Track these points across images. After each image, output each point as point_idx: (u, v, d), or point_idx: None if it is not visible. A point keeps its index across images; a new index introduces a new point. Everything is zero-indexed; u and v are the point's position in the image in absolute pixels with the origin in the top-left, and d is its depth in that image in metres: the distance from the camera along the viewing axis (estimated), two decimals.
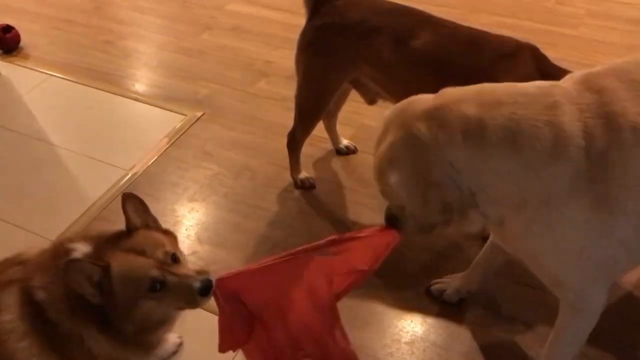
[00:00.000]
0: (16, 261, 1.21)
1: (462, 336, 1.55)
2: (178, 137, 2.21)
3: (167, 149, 2.16)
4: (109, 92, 2.45)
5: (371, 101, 1.83)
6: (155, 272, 1.10)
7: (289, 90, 2.36)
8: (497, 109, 1.08)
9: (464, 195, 1.11)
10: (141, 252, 1.12)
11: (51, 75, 2.55)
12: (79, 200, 1.97)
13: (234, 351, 1.30)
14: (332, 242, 1.22)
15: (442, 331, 1.56)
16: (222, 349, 1.21)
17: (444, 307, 1.61)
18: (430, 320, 1.59)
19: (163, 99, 2.41)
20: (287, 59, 2.51)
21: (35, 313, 1.12)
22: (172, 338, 1.49)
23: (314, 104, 1.83)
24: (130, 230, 1.17)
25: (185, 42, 2.72)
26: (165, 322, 1.20)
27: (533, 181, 1.07)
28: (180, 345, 1.52)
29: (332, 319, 1.21)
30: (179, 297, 1.12)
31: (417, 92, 1.19)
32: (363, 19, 1.63)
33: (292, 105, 2.31)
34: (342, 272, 1.21)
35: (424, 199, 1.14)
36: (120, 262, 1.10)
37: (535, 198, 1.08)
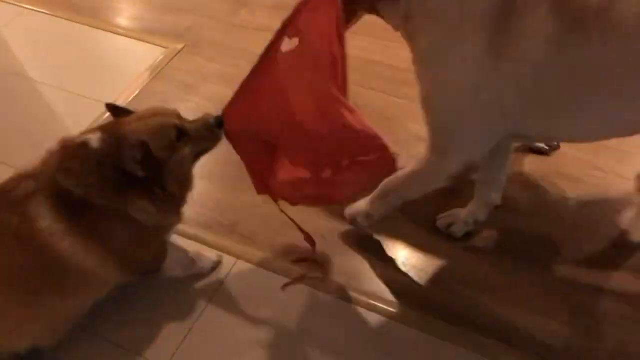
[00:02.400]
0: (24, 176, 1.23)
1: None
2: (160, 71, 2.18)
3: (148, 82, 2.13)
4: (88, 26, 2.40)
5: None
6: (176, 121, 1.26)
7: (271, 20, 2.32)
8: None
9: None
10: (154, 115, 1.25)
11: (26, 8, 2.49)
12: (61, 134, 1.95)
13: (270, 196, 1.42)
14: (285, 25, 1.24)
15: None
16: (258, 190, 1.41)
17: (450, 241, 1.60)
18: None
19: (144, 31, 2.36)
20: None
21: (71, 210, 1.19)
22: (212, 256, 1.57)
23: None
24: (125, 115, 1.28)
25: None
26: (189, 171, 1.32)
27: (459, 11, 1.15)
28: (219, 263, 1.57)
29: (341, 105, 1.23)
30: (202, 137, 1.29)
31: None
32: None
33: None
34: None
35: None
36: (145, 129, 1.21)
37: (450, 15, 1.17)
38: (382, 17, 1.31)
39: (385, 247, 1.60)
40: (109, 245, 1.25)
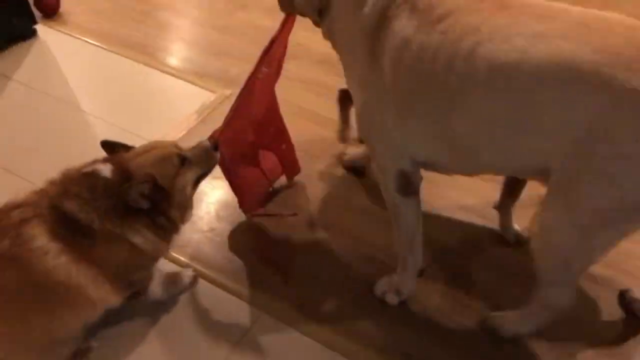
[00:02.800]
0: (15, 205, 1.29)
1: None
2: (207, 114, 2.25)
3: (195, 125, 2.20)
4: (141, 63, 2.49)
5: None
6: (176, 150, 1.39)
7: (316, 73, 2.39)
8: None
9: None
10: (154, 148, 1.38)
11: (87, 42, 2.61)
12: None
13: (251, 212, 1.74)
14: (262, 59, 1.60)
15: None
16: (244, 208, 1.69)
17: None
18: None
19: (194, 74, 2.45)
20: (318, 42, 2.53)
21: (68, 232, 1.25)
22: (187, 272, 1.66)
23: None
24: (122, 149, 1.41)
25: (220, 19, 2.74)
26: (190, 197, 1.45)
27: (353, 16, 1.34)
28: (195, 278, 1.66)
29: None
30: (200, 161, 1.42)
31: None
32: None
33: (320, 89, 2.35)
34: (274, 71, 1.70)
35: None
36: (149, 161, 1.34)
37: (352, 28, 1.35)
38: None
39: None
40: (104, 268, 1.30)
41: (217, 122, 2.20)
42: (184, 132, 2.17)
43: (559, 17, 1.14)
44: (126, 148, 1.41)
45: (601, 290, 1.67)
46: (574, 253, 1.24)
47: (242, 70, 2.44)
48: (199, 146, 1.45)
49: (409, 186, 1.41)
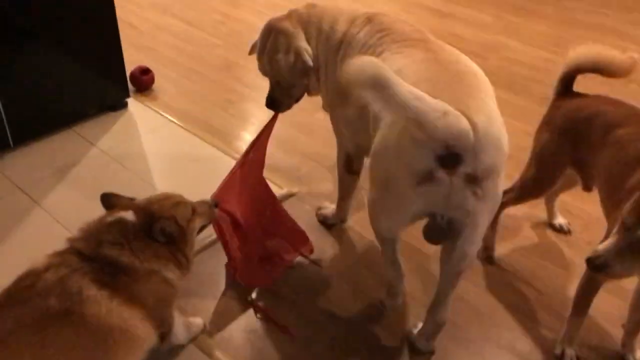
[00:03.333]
0: (41, 270, 1.32)
1: None
2: None
3: None
4: (217, 149, 2.57)
5: (586, 187, 1.84)
6: (190, 202, 1.56)
7: None
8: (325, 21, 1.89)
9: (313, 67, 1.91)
10: (167, 198, 1.53)
11: (171, 120, 2.73)
12: None
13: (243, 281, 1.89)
14: (248, 151, 2.00)
15: None
16: (232, 273, 1.90)
17: None
18: None
19: (265, 167, 2.48)
20: None
21: (112, 277, 1.34)
22: (196, 320, 1.78)
23: (538, 179, 1.91)
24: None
25: (299, 117, 2.81)
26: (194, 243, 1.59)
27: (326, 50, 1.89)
28: (204, 326, 1.78)
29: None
30: (204, 214, 1.60)
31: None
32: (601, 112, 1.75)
33: None
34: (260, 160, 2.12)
35: (292, 67, 1.91)
36: (169, 206, 1.49)
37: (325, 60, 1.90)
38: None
39: None
40: (147, 305, 1.40)
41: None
42: None
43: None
44: (129, 199, 1.53)
45: None
46: None
47: (313, 169, 2.48)
48: (203, 201, 1.63)
49: (350, 165, 2.08)
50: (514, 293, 1.95)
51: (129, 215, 1.44)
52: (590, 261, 1.35)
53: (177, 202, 1.53)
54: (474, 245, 1.50)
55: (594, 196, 1.78)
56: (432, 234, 1.47)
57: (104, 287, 1.32)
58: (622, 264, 1.33)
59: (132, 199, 1.54)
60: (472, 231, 1.45)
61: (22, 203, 2.23)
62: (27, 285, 1.30)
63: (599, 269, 1.35)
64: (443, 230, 1.44)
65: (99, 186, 2.31)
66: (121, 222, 1.42)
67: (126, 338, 1.34)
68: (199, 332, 1.77)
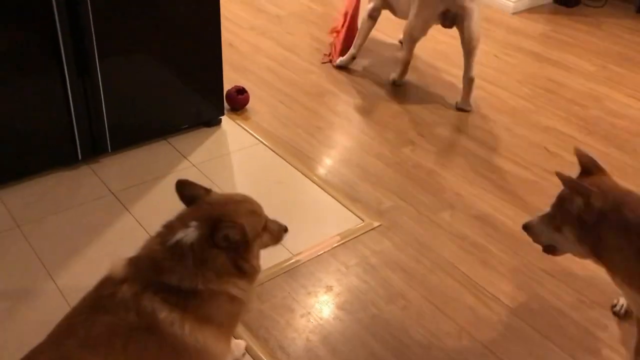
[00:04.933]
0: (119, 281, 1.33)
1: None
2: (349, 240, 2.24)
3: (334, 247, 2.20)
4: (302, 174, 2.58)
5: None
6: (265, 216, 1.50)
7: (471, 230, 2.31)
8: None
9: None
10: (244, 201, 1.47)
11: (260, 141, 2.77)
12: None
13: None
14: None
15: None
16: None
17: None
18: None
19: (348, 197, 2.48)
20: (478, 197, 2.48)
21: (179, 300, 1.32)
22: (241, 342, 1.78)
23: None
24: (208, 191, 1.48)
25: (386, 150, 2.80)
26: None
27: None
28: (245, 351, 1.78)
29: None
30: (273, 234, 1.52)
31: None
32: None
33: (469, 247, 2.26)
34: None
35: None
36: (241, 213, 1.42)
37: None
38: None
39: None
40: (216, 324, 1.37)
41: (356, 251, 2.22)
42: (323, 251, 2.17)
43: None
44: (204, 191, 1.47)
45: None
46: None
47: (396, 205, 2.44)
48: (277, 223, 1.56)
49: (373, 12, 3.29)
50: None
51: (189, 235, 1.35)
52: (523, 225, 1.70)
53: (252, 210, 1.45)
54: (473, 28, 2.91)
55: None
56: (447, 21, 2.94)
57: (174, 309, 1.30)
58: (543, 233, 1.65)
59: (208, 191, 1.47)
60: (470, 19, 2.88)
61: (113, 207, 2.32)
62: (109, 294, 1.32)
63: (525, 229, 1.70)
64: (453, 18, 2.90)
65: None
66: (179, 246, 1.35)
67: (203, 357, 1.34)
68: (240, 356, 1.74)
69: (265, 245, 1.52)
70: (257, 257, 1.48)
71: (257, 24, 3.96)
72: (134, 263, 1.37)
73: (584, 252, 1.57)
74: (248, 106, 3.00)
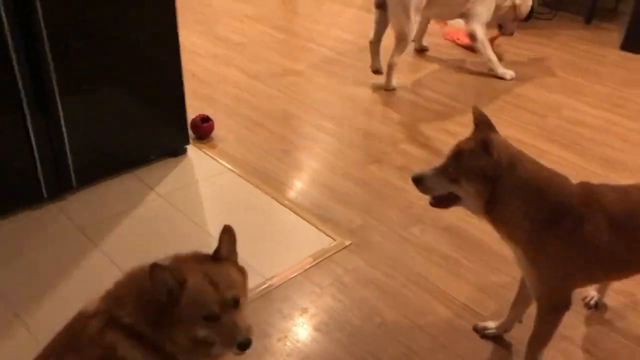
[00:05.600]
0: (89, 315, 1.31)
1: None
2: (321, 260, 2.25)
3: (308, 268, 2.20)
4: (272, 198, 2.59)
5: None
6: (214, 308, 1.26)
7: (440, 243, 2.34)
8: None
9: None
10: (214, 284, 1.28)
11: (228, 168, 2.78)
12: None
13: None
14: None
15: None
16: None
17: None
18: None
19: (318, 217, 2.49)
20: (445, 210, 2.51)
21: (142, 337, 1.27)
22: None
23: None
24: (217, 257, 1.36)
25: (354, 169, 2.83)
26: (205, 354, 1.32)
27: None
28: None
29: None
30: (222, 337, 1.27)
31: None
32: None
33: (439, 259, 2.29)
34: None
35: None
36: (195, 283, 1.27)
37: None
38: None
39: None
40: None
41: (329, 270, 2.23)
42: (296, 274, 2.18)
43: None
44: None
45: None
46: None
47: (366, 223, 2.46)
48: (236, 329, 1.27)
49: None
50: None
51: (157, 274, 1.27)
52: (413, 177, 1.70)
53: (203, 288, 1.28)
54: (393, 20, 3.41)
55: None
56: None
57: (136, 346, 1.27)
58: (436, 185, 1.64)
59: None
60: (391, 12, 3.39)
61: (81, 244, 2.28)
62: (79, 329, 1.30)
63: (415, 181, 1.70)
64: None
65: (154, 230, 2.38)
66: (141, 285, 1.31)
67: None
68: None
69: (204, 340, 1.29)
70: (184, 340, 1.29)
71: (219, 53, 3.99)
72: (107, 296, 1.35)
73: (478, 206, 1.59)
74: (214, 134, 3.00)
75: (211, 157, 2.85)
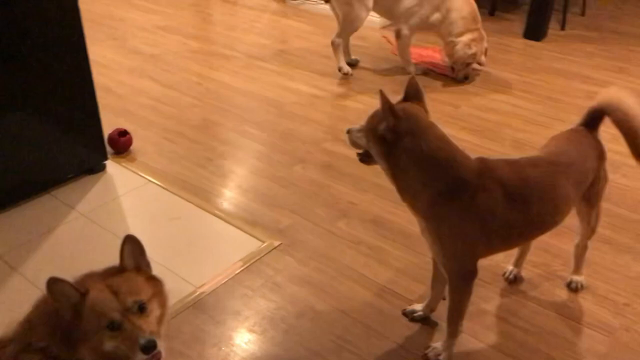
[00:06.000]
0: (6, 341, 1.29)
1: None
2: (251, 263, 2.25)
3: (238, 272, 2.21)
4: (197, 207, 2.58)
5: None
6: (115, 315, 1.26)
7: (366, 234, 2.40)
8: None
9: None
10: (115, 293, 1.28)
11: (150, 181, 2.74)
12: None
13: None
14: None
15: None
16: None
17: None
18: None
19: (245, 221, 2.50)
20: (370, 203, 2.58)
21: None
22: None
23: None
24: (122, 268, 1.36)
25: (278, 171, 2.85)
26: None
27: None
28: None
29: None
30: (126, 343, 1.25)
31: None
32: None
33: (366, 250, 2.34)
34: None
35: None
36: (95, 294, 1.28)
37: None
38: None
39: None
40: None
41: (260, 272, 2.24)
42: (227, 279, 2.17)
43: None
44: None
45: None
46: None
47: (294, 222, 2.49)
48: (136, 332, 1.25)
49: None
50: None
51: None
52: (348, 129, 1.76)
53: (101, 302, 1.27)
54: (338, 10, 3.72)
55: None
56: None
57: None
58: (358, 140, 1.72)
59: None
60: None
61: (1, 270, 2.20)
62: None
63: (348, 132, 1.76)
64: None
65: (78, 249, 2.32)
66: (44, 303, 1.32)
67: None
68: None
69: (115, 351, 1.27)
70: (94, 355, 1.28)
71: (133, 66, 3.92)
72: (22, 322, 1.33)
73: (384, 168, 1.68)
74: (132, 147, 2.95)
75: (131, 170, 2.80)
